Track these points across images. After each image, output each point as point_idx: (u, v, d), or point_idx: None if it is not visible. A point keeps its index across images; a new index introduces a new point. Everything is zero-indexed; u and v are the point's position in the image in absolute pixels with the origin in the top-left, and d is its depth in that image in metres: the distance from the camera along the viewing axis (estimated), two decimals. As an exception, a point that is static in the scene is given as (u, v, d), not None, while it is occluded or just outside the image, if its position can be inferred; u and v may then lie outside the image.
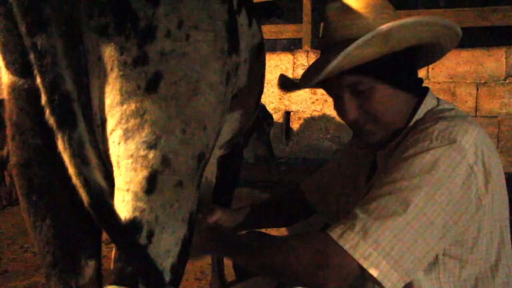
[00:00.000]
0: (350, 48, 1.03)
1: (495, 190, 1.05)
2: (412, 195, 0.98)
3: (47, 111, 0.85)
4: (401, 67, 1.14)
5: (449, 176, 0.99)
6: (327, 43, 1.18)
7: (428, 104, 1.17)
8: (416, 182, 0.99)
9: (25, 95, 0.96)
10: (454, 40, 1.17)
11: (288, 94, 4.48)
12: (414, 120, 1.15)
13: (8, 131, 1.03)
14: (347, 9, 1.14)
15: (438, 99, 1.21)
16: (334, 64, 1.05)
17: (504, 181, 1.11)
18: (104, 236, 1.09)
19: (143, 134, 0.91)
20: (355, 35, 1.09)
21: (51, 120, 0.85)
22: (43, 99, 0.85)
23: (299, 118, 4.49)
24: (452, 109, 1.15)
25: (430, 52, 1.23)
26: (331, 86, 1.20)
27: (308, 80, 1.16)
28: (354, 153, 1.42)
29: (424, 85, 1.23)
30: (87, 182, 0.86)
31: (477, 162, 1.02)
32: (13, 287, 2.60)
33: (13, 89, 0.98)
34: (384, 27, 1.04)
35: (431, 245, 0.99)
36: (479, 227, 1.06)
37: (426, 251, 0.99)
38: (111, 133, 0.93)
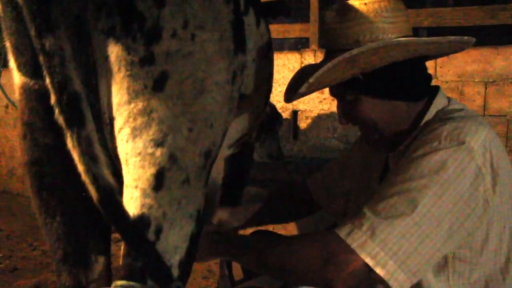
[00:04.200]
0: (313, 78, 1.10)
1: (503, 192, 1.05)
2: (420, 195, 0.99)
3: (56, 111, 0.87)
4: (390, 79, 1.13)
5: (457, 177, 0.99)
6: (328, 49, 1.20)
7: (438, 104, 1.17)
8: (424, 182, 1.00)
9: (35, 96, 0.99)
10: (461, 45, 1.16)
11: (296, 94, 4.47)
12: (424, 120, 1.16)
13: (19, 131, 1.06)
14: (346, 15, 1.14)
15: (449, 98, 1.20)
16: (303, 90, 1.15)
17: None
18: (113, 234, 1.11)
19: (151, 132, 0.92)
20: (351, 45, 1.11)
21: (60, 119, 0.87)
22: (52, 99, 0.87)
23: (307, 117, 4.49)
24: (462, 109, 1.15)
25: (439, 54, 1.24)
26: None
27: (292, 93, 1.22)
28: (365, 152, 1.42)
29: (432, 84, 1.22)
30: (96, 179, 0.88)
31: (485, 163, 1.01)
32: (22, 285, 2.63)
33: (24, 89, 1.00)
34: (347, 54, 1.07)
35: (438, 246, 0.99)
36: (487, 229, 1.05)
37: (432, 252, 0.99)
38: (119, 132, 0.94)
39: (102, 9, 0.90)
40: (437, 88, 1.21)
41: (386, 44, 1.07)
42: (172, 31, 0.92)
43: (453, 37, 1.10)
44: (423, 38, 1.10)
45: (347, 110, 1.20)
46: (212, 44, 0.98)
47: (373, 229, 0.99)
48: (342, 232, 1.02)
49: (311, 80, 1.11)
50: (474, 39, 1.13)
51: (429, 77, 1.22)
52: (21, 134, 1.05)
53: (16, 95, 1.04)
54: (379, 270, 0.97)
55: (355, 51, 1.07)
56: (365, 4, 1.13)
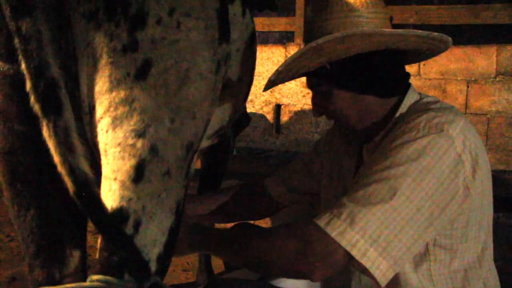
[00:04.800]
0: (282, 66, 1.13)
1: (483, 179, 1.05)
2: (399, 182, 0.98)
3: (32, 98, 0.83)
4: (360, 72, 1.14)
5: (436, 163, 0.99)
6: (306, 42, 1.20)
7: (411, 98, 1.18)
8: (403, 169, 0.99)
9: (10, 81, 0.94)
10: (431, 41, 1.15)
11: (279, 87, 4.47)
12: (398, 113, 1.16)
13: (-8, 118, 1.01)
14: (322, 10, 1.16)
15: (420, 93, 1.21)
16: (273, 77, 1.17)
17: (490, 171, 1.11)
18: (91, 225, 1.08)
19: (132, 122, 0.89)
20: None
21: (36, 107, 0.83)
22: (28, 85, 0.83)
23: (290, 112, 4.49)
24: (437, 101, 1.16)
25: (417, 53, 1.23)
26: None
27: (270, 83, 1.22)
28: (335, 146, 1.42)
29: (415, 81, 1.23)
30: (73, 171, 0.85)
31: (465, 150, 1.02)
32: (-1, 276, 2.58)
33: None
34: (313, 43, 1.08)
35: (419, 232, 0.99)
36: (468, 217, 1.06)
37: (414, 239, 0.98)
38: (99, 121, 0.91)
39: None
40: (408, 85, 1.21)
41: (350, 34, 1.07)
42: (157, 17, 0.89)
43: (419, 31, 1.10)
44: (387, 30, 1.11)
45: (320, 102, 1.22)
46: (198, 32, 0.95)
47: (353, 217, 0.98)
48: (321, 222, 1.01)
49: (280, 68, 1.13)
50: (448, 37, 1.12)
51: (405, 75, 1.22)
52: (-7, 122, 1.01)
53: None
54: (360, 259, 0.96)
55: (320, 40, 1.07)
56: None
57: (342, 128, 1.26)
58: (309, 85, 1.25)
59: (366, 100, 1.16)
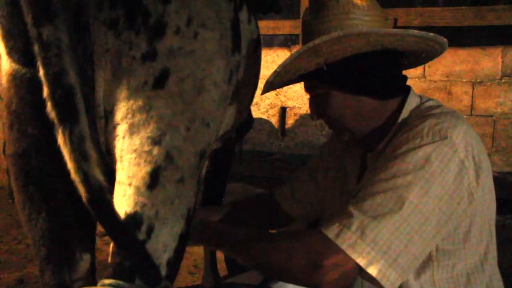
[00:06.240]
0: (280, 67, 1.11)
1: (485, 183, 1.06)
2: (406, 192, 0.98)
3: (49, 105, 0.83)
4: (357, 73, 1.13)
5: (442, 171, 1.00)
6: (304, 42, 1.20)
7: (412, 102, 1.18)
8: (409, 178, 0.99)
9: (26, 85, 0.94)
10: (435, 45, 1.14)
11: (285, 90, 4.47)
12: (400, 119, 1.16)
13: (6, 120, 1.01)
14: (319, 11, 1.15)
15: (420, 96, 1.21)
16: (270, 79, 1.14)
17: (491, 175, 1.11)
18: (98, 228, 1.08)
19: (149, 130, 0.90)
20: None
21: (52, 114, 0.83)
22: (45, 91, 0.83)
23: (295, 114, 4.49)
24: (439, 106, 1.16)
25: (415, 55, 1.22)
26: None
27: (268, 84, 1.19)
28: (338, 153, 1.41)
29: (420, 83, 1.22)
30: (87, 178, 0.84)
31: (468, 156, 1.02)
32: (6, 279, 2.58)
33: (14, 77, 0.95)
34: (311, 43, 1.07)
35: (427, 241, 0.99)
36: (471, 222, 1.06)
37: (422, 248, 0.99)
38: (115, 127, 0.92)
39: (105, 0, 0.88)
40: (408, 88, 1.21)
41: (347, 33, 1.07)
42: (175, 27, 0.90)
43: (416, 31, 1.09)
44: (384, 29, 1.11)
45: (317, 105, 1.21)
46: (213, 43, 0.96)
47: (363, 228, 0.97)
48: (331, 233, 1.00)
49: (278, 69, 1.12)
50: (443, 38, 1.11)
51: (402, 77, 1.22)
52: (7, 124, 1.00)
53: (4, 82, 0.99)
54: (371, 270, 0.96)
55: (317, 41, 1.07)
56: (338, 1, 1.14)
57: (338, 133, 1.23)
58: (307, 87, 1.24)
59: (364, 102, 1.15)
